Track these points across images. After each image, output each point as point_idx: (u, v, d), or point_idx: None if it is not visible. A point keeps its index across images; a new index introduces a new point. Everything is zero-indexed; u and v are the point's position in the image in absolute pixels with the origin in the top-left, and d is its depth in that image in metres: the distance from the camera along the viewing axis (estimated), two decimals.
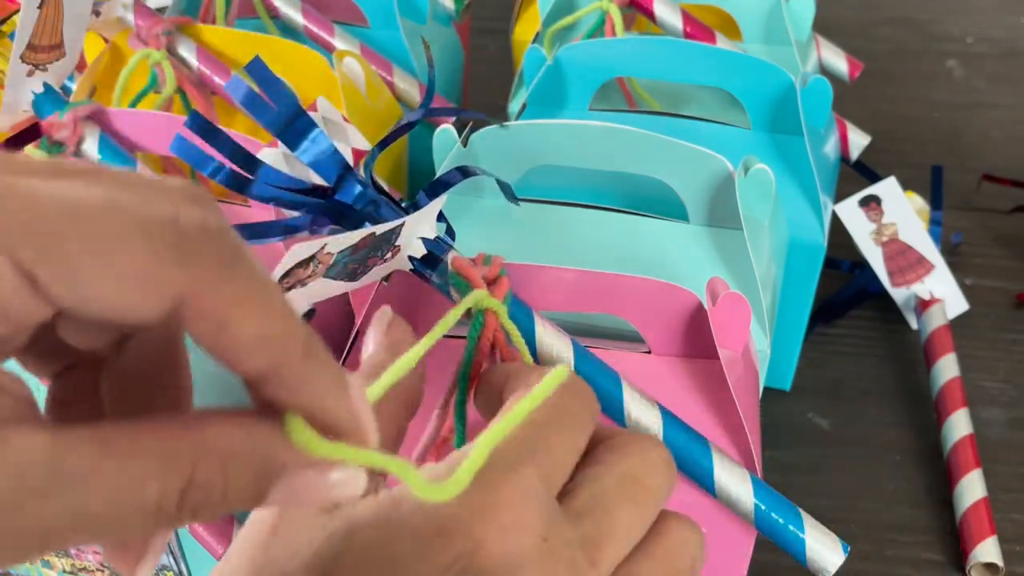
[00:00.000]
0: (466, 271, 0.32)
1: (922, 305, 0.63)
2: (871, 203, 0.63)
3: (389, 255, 0.32)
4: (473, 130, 0.46)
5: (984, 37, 0.99)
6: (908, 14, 1.03)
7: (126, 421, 0.18)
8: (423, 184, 0.35)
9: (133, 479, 0.17)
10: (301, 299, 0.30)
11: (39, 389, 0.20)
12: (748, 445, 0.36)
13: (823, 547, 0.35)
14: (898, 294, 0.64)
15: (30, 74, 0.44)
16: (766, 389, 0.55)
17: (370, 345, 0.27)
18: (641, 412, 0.35)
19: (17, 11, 0.41)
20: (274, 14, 0.62)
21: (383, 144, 0.36)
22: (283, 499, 0.19)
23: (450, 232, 0.36)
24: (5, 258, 0.16)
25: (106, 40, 0.57)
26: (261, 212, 0.46)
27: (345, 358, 0.39)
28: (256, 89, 0.30)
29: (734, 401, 0.36)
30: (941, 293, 0.63)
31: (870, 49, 0.92)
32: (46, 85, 0.45)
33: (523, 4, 0.72)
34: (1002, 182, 0.74)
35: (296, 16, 0.61)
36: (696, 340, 0.37)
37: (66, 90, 0.50)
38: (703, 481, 0.35)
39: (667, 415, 0.35)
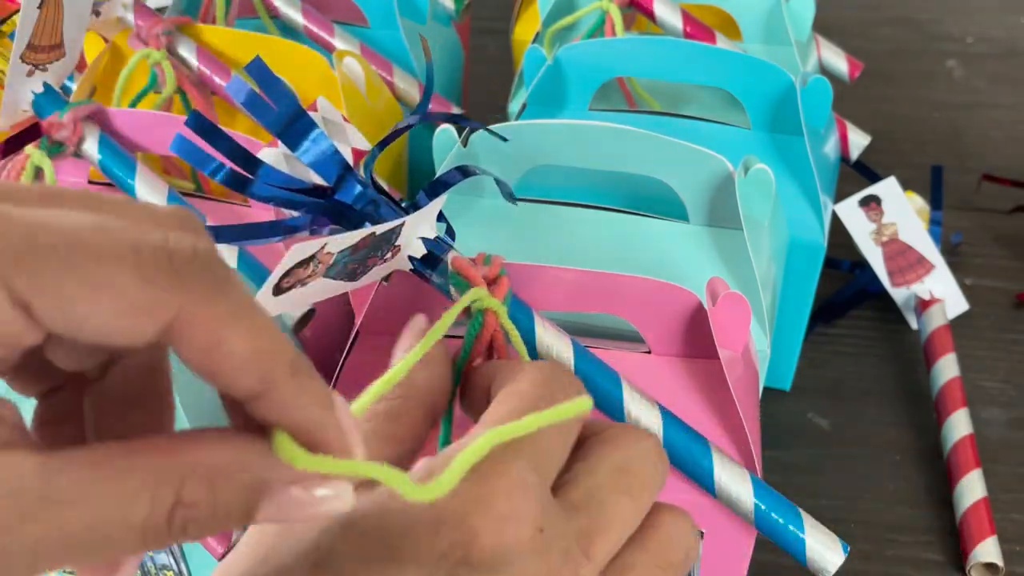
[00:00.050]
0: (466, 271, 0.32)
1: (922, 305, 0.63)
2: (871, 203, 0.63)
3: (389, 255, 0.32)
4: (473, 130, 0.46)
5: (984, 37, 0.99)
6: (908, 14, 1.03)
7: (114, 442, 0.18)
8: (423, 184, 0.35)
9: (122, 499, 0.17)
10: (301, 299, 0.30)
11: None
12: (748, 445, 0.36)
13: (823, 547, 0.35)
14: (898, 294, 0.64)
15: (30, 74, 0.44)
16: (766, 389, 0.55)
17: (399, 352, 0.27)
18: (641, 412, 0.35)
19: (17, 11, 0.41)
20: (274, 14, 0.62)
21: (383, 144, 0.36)
22: (272, 515, 0.19)
23: (450, 232, 0.36)
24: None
25: (106, 40, 0.57)
26: (261, 212, 0.46)
27: (345, 358, 0.39)
28: (256, 89, 0.30)
29: (734, 401, 0.36)
30: (941, 293, 0.63)
31: (870, 49, 0.92)
32: (46, 85, 0.45)
33: (523, 4, 0.72)
34: (1002, 182, 0.74)
35: (296, 16, 0.61)
36: (696, 340, 0.37)
37: (66, 90, 0.50)
38: (703, 481, 0.35)
39: (667, 415, 0.35)
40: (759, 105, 0.54)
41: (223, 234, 0.32)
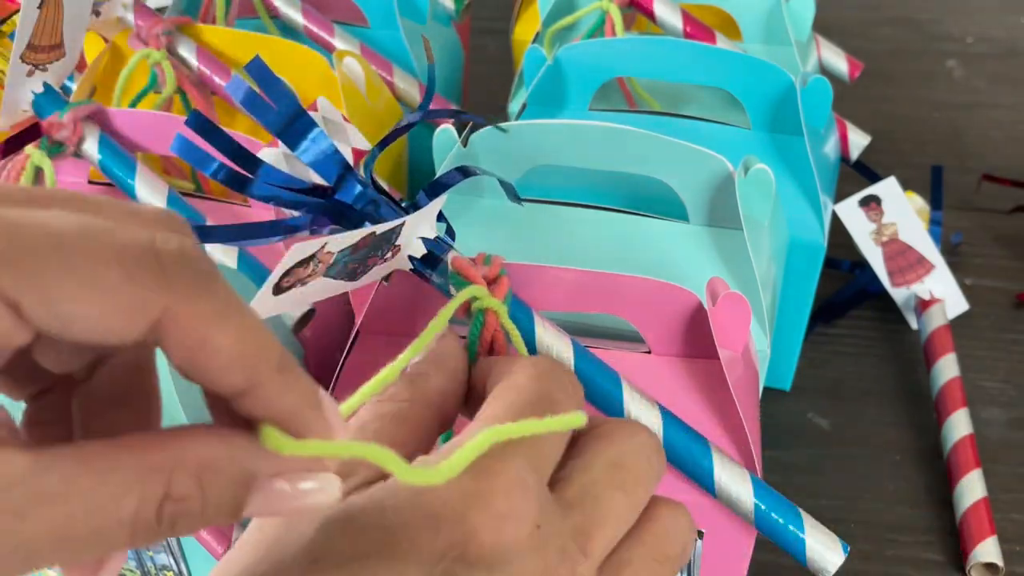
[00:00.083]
0: (466, 271, 0.32)
1: (922, 305, 0.63)
2: (871, 203, 0.63)
3: (389, 255, 0.32)
4: (473, 130, 0.46)
5: (984, 37, 0.99)
6: (908, 14, 1.03)
7: (103, 439, 0.18)
8: (423, 184, 0.35)
9: (111, 494, 0.18)
10: (301, 298, 0.30)
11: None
12: (748, 445, 0.36)
13: (823, 547, 0.35)
14: (898, 294, 0.64)
15: (30, 74, 0.44)
16: (766, 389, 0.55)
17: (417, 354, 0.27)
18: (641, 412, 0.35)
19: (17, 11, 0.41)
20: (274, 14, 0.62)
21: (383, 144, 0.36)
22: (260, 509, 0.19)
23: (450, 232, 0.36)
24: None
25: (106, 40, 0.57)
26: (261, 212, 0.46)
27: (345, 358, 0.39)
28: (256, 89, 0.30)
29: (734, 401, 0.36)
30: (941, 293, 0.63)
31: (870, 49, 0.92)
32: (46, 85, 0.45)
33: (523, 4, 0.72)
34: (1002, 182, 0.74)
35: (296, 16, 0.61)
36: (696, 340, 0.37)
37: (66, 90, 0.50)
38: (703, 481, 0.35)
39: (667, 415, 0.35)
40: (759, 105, 0.54)
41: (223, 234, 0.32)
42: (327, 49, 0.60)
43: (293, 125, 0.30)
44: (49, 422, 0.21)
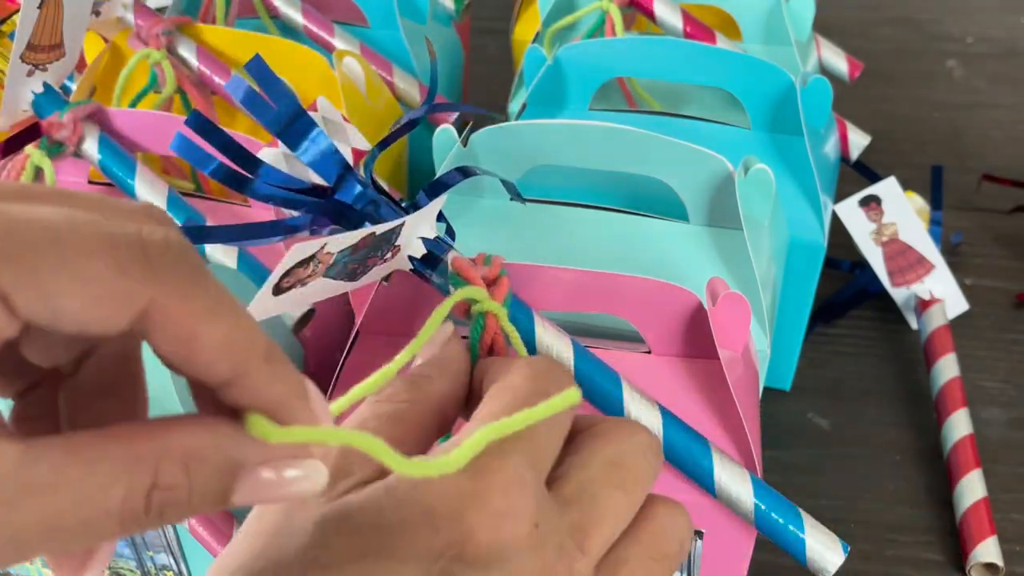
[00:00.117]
0: (466, 272, 0.32)
1: (922, 305, 0.63)
2: (871, 203, 0.63)
3: (389, 255, 0.32)
4: (473, 130, 0.46)
5: (984, 37, 0.99)
6: (908, 14, 1.03)
7: (91, 429, 0.18)
8: (423, 184, 0.35)
9: (99, 483, 0.18)
10: (301, 298, 0.30)
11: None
12: (748, 445, 0.36)
13: (823, 547, 0.35)
14: (898, 294, 0.64)
15: (30, 74, 0.44)
16: (766, 389, 0.55)
17: (421, 357, 0.27)
18: (641, 412, 0.35)
19: (17, 11, 0.41)
20: (274, 14, 0.62)
21: (383, 144, 0.36)
22: (247, 498, 0.19)
23: (450, 232, 0.36)
24: None
25: (106, 40, 0.57)
26: (261, 212, 0.46)
27: (345, 358, 0.39)
28: (256, 88, 0.30)
29: (734, 401, 0.36)
30: (941, 293, 0.63)
31: (870, 49, 0.92)
32: (46, 85, 0.45)
33: (523, 4, 0.72)
34: (1002, 182, 0.74)
35: (296, 16, 0.61)
36: (696, 340, 0.37)
37: (66, 90, 0.50)
38: (703, 481, 0.35)
39: (667, 415, 0.35)
40: (759, 105, 0.54)
41: (223, 234, 0.32)
42: (327, 49, 0.60)
43: (293, 125, 0.30)
44: (37, 417, 0.22)
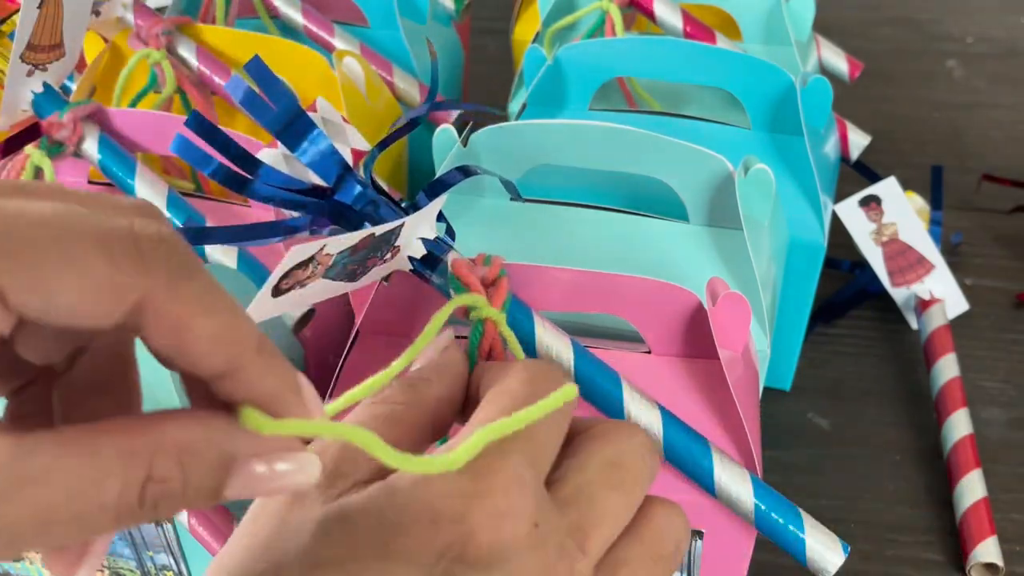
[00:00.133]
0: (465, 276, 0.32)
1: (922, 305, 0.63)
2: (871, 203, 0.63)
3: (389, 256, 0.32)
4: (473, 130, 0.46)
5: (984, 37, 0.98)
6: (908, 14, 1.03)
7: (85, 424, 0.18)
8: (423, 184, 0.35)
9: (93, 476, 0.18)
10: (300, 300, 0.30)
11: None
12: (748, 445, 0.36)
13: (823, 547, 0.35)
14: (898, 294, 0.64)
15: (30, 74, 0.44)
16: (766, 389, 0.55)
17: (420, 361, 0.27)
18: (641, 412, 0.35)
19: (17, 11, 0.41)
20: (274, 14, 0.62)
21: (383, 144, 0.36)
22: (241, 491, 0.20)
23: (450, 232, 0.36)
24: None
25: (106, 40, 0.57)
26: (261, 212, 0.46)
27: (345, 358, 0.39)
28: (256, 89, 0.30)
29: (734, 401, 0.36)
30: (941, 293, 0.63)
31: (870, 49, 0.92)
32: (46, 85, 0.45)
33: (523, 4, 0.72)
34: (1002, 182, 0.74)
35: (296, 16, 0.61)
36: (696, 340, 0.37)
37: (66, 90, 0.50)
38: (703, 481, 0.35)
39: (667, 415, 0.35)
40: (759, 105, 0.54)
41: (223, 235, 0.32)
42: (327, 49, 0.60)
43: (292, 126, 0.30)
44: (30, 415, 0.22)
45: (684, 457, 0.35)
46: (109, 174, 0.46)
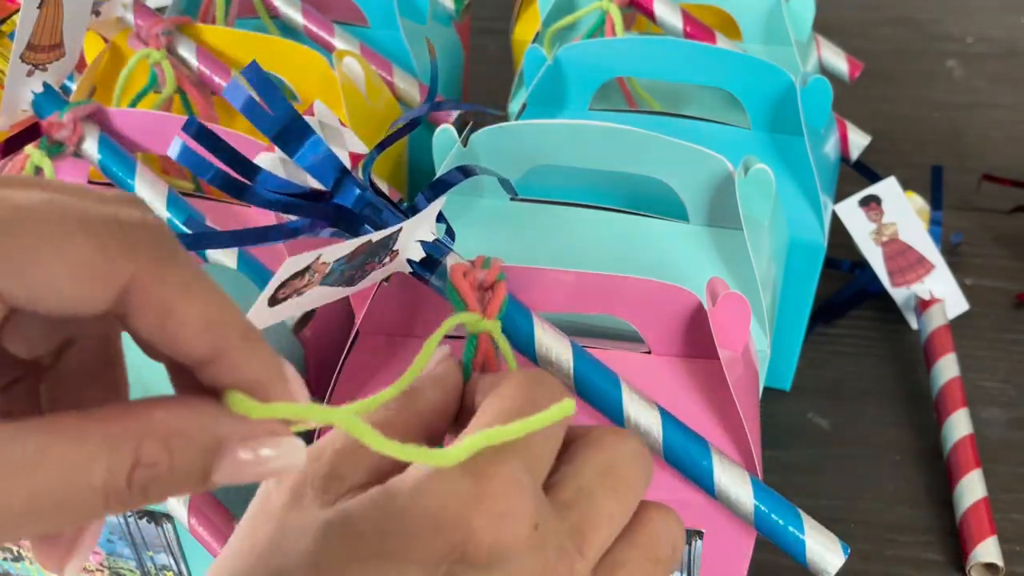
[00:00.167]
0: (460, 287, 0.32)
1: (922, 305, 0.63)
2: (871, 203, 0.63)
3: (387, 259, 0.32)
4: (473, 130, 0.46)
5: (984, 37, 0.98)
6: (908, 14, 1.03)
7: (73, 410, 0.19)
8: (423, 184, 0.35)
9: (82, 461, 0.18)
10: (297, 306, 0.30)
11: None
12: (748, 445, 0.36)
13: (823, 548, 0.35)
14: (898, 294, 0.64)
15: (30, 74, 0.44)
16: (766, 389, 0.55)
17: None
18: (640, 413, 0.35)
19: (17, 11, 0.41)
20: (274, 14, 0.62)
21: (382, 146, 0.36)
22: (228, 476, 0.20)
23: (450, 233, 0.36)
24: None
25: (106, 40, 0.57)
26: (261, 213, 0.46)
27: (345, 358, 0.39)
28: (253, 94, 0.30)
29: (734, 401, 0.36)
30: (941, 293, 0.63)
31: (870, 49, 0.92)
32: (46, 85, 0.45)
33: (523, 4, 0.72)
34: (1002, 182, 0.74)
35: (296, 16, 0.61)
36: (696, 340, 0.37)
37: (66, 90, 0.50)
38: (703, 482, 0.35)
39: (666, 416, 0.35)
40: (759, 105, 0.54)
41: (223, 239, 0.32)
42: (327, 49, 0.60)
43: (289, 131, 0.30)
44: (19, 412, 0.22)
45: (683, 458, 0.35)
46: (109, 174, 0.46)
